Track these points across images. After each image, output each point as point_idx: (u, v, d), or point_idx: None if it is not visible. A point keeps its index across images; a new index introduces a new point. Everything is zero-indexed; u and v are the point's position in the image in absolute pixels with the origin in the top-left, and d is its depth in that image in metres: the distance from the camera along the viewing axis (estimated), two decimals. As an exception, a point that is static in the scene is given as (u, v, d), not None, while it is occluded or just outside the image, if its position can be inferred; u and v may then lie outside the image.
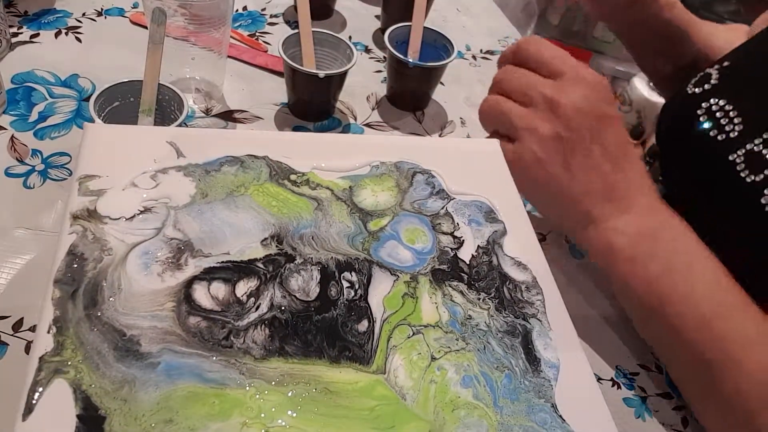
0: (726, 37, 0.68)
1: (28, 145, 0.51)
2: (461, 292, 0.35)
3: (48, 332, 0.28)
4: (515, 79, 0.50)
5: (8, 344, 0.38)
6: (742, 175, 0.48)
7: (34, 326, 0.38)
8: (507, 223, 0.39)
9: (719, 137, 0.51)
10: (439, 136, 0.64)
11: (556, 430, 0.30)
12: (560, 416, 0.31)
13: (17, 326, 0.39)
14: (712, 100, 0.54)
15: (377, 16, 0.79)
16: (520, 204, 0.41)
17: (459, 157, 0.42)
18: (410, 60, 0.61)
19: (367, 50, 0.73)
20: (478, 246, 0.37)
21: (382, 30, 0.72)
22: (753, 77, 0.54)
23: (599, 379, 0.45)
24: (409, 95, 0.65)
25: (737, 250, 0.46)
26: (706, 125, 0.53)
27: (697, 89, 0.56)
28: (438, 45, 0.64)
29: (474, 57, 0.77)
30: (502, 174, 0.42)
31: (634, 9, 0.68)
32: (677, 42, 0.70)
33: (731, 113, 0.52)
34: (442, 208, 0.39)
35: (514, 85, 0.50)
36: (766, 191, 0.46)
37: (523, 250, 0.38)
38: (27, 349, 0.38)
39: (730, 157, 0.50)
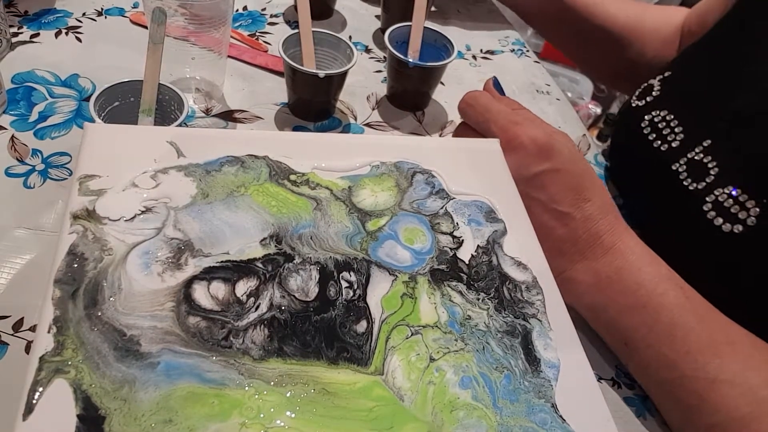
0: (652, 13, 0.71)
1: (28, 145, 0.51)
2: (460, 293, 0.35)
3: (48, 332, 0.28)
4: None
5: (8, 344, 0.38)
6: (685, 183, 0.49)
7: (35, 326, 0.39)
8: (507, 222, 0.39)
9: (662, 147, 0.52)
10: (439, 136, 0.64)
11: (557, 430, 0.30)
12: (560, 416, 0.31)
13: (17, 326, 0.39)
14: (654, 112, 0.55)
15: (377, 16, 0.79)
16: (520, 204, 0.41)
17: (459, 157, 0.42)
18: (410, 60, 0.61)
19: (367, 50, 0.73)
20: (478, 246, 0.37)
21: (382, 30, 0.72)
22: (692, 86, 0.55)
23: (599, 378, 0.45)
24: (409, 95, 0.65)
25: (687, 258, 0.46)
26: (650, 137, 0.54)
27: (640, 102, 0.57)
28: (438, 45, 0.64)
29: (474, 57, 0.77)
30: (502, 174, 0.42)
31: None
32: (581, 24, 0.72)
33: (672, 123, 0.52)
34: (441, 208, 0.39)
35: None
36: (707, 198, 0.46)
37: (523, 250, 0.38)
38: (27, 349, 0.38)
39: (673, 167, 0.50)
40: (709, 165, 0.48)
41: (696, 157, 0.49)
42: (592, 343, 0.46)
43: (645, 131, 0.55)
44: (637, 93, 0.59)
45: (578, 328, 0.35)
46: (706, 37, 0.58)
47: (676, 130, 0.52)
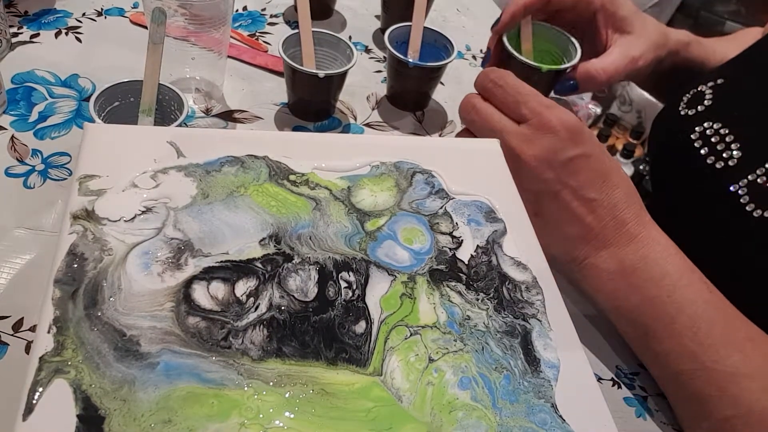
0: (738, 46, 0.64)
1: (28, 145, 0.51)
2: (459, 293, 0.35)
3: (48, 332, 0.28)
4: (480, 121, 0.48)
5: (8, 344, 0.38)
6: (748, 208, 0.46)
7: (34, 326, 0.39)
8: (507, 222, 0.39)
9: (717, 165, 0.49)
10: (439, 136, 0.64)
11: (556, 431, 0.30)
12: (560, 416, 0.31)
13: (17, 326, 0.39)
14: (706, 124, 0.51)
15: (377, 16, 0.79)
16: (520, 204, 0.41)
17: (459, 157, 0.42)
18: (410, 60, 0.61)
19: (367, 50, 0.73)
20: (478, 246, 0.37)
21: (382, 30, 0.72)
22: (748, 99, 0.52)
23: (599, 379, 0.45)
24: (409, 95, 0.65)
25: (739, 278, 0.45)
26: (702, 151, 0.51)
27: (690, 111, 0.54)
28: (438, 45, 0.64)
29: (474, 57, 0.77)
30: (502, 174, 0.42)
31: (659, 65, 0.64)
32: (694, 74, 0.66)
33: (727, 138, 0.49)
34: (441, 208, 0.39)
35: (477, 126, 0.48)
36: None
37: (523, 250, 0.38)
38: (27, 349, 0.38)
39: (732, 188, 0.47)
40: None
41: (759, 181, 0.46)
42: (593, 342, 0.46)
43: (696, 144, 0.51)
44: (685, 100, 0.55)
45: (579, 328, 0.35)
46: (762, 44, 0.55)
47: (733, 146, 0.48)
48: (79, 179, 0.35)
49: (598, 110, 1.89)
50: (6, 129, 0.52)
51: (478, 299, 0.35)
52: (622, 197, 0.44)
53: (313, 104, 0.60)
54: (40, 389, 0.26)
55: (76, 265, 0.31)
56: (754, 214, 0.46)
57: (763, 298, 0.45)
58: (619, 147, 1.81)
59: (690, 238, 0.51)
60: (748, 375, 0.38)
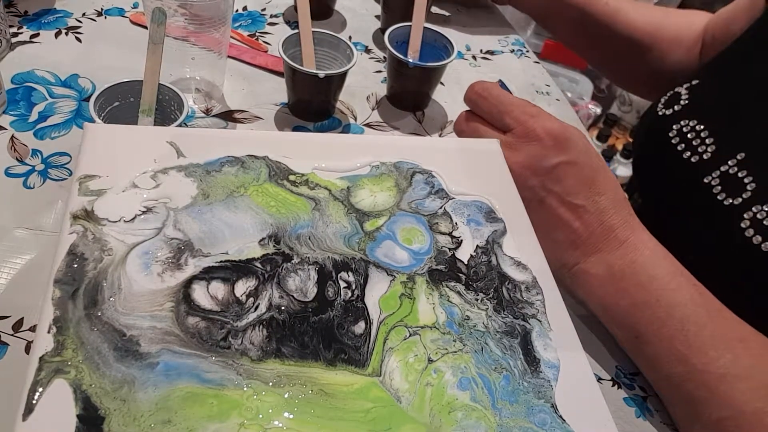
0: (675, 19, 0.69)
1: (28, 145, 0.51)
2: (459, 293, 0.35)
3: (48, 332, 0.28)
4: (468, 131, 0.49)
5: (8, 344, 0.38)
6: (719, 198, 0.48)
7: (35, 326, 0.39)
8: (507, 222, 0.39)
9: (692, 159, 0.51)
10: (439, 136, 0.64)
11: (556, 431, 0.30)
12: (560, 416, 0.31)
13: (17, 326, 0.39)
14: (683, 122, 0.53)
15: (377, 16, 0.79)
16: (520, 204, 0.41)
17: (459, 157, 0.42)
18: (410, 60, 0.61)
19: (367, 50, 0.73)
20: (477, 246, 0.37)
21: (382, 30, 0.72)
22: (722, 96, 0.53)
23: (599, 379, 0.45)
24: (409, 95, 0.65)
25: (716, 271, 0.45)
26: (679, 147, 0.52)
27: (667, 111, 0.56)
28: (438, 45, 0.64)
29: (474, 57, 0.77)
30: (502, 174, 0.42)
31: None
32: (601, 30, 0.71)
33: (702, 134, 0.51)
34: (440, 208, 0.39)
35: (466, 138, 0.49)
36: (745, 215, 0.46)
37: (523, 250, 0.38)
38: (27, 349, 0.38)
39: (706, 180, 0.49)
40: (745, 180, 0.47)
41: (730, 171, 0.48)
42: (592, 343, 0.46)
43: (673, 141, 0.53)
44: (663, 101, 0.57)
45: (578, 328, 0.35)
46: (735, 45, 0.57)
47: (707, 141, 0.50)
48: (79, 179, 0.35)
49: (598, 110, 1.89)
50: (6, 129, 0.52)
51: (477, 299, 0.35)
52: (609, 203, 0.44)
53: (313, 104, 0.60)
54: (40, 389, 0.26)
55: (76, 265, 0.31)
56: (725, 203, 0.47)
57: (737, 286, 0.45)
58: (619, 147, 1.81)
59: (676, 234, 0.52)
60: (739, 376, 0.38)
